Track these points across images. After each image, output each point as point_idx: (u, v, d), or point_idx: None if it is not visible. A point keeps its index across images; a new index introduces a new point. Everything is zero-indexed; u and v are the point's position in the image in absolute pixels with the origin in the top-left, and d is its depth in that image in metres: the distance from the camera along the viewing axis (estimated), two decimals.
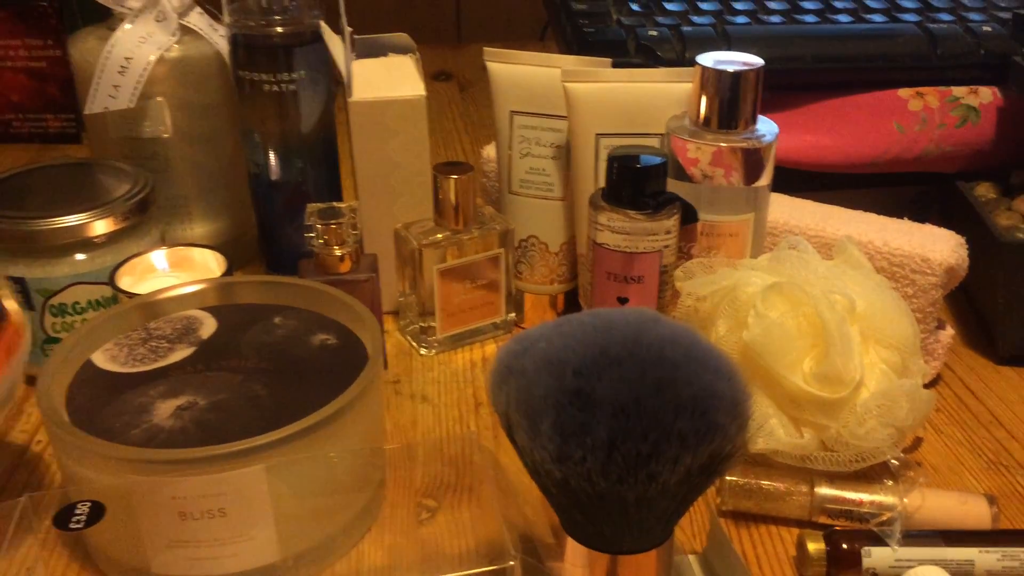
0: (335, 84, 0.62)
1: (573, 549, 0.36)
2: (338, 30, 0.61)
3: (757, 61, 0.52)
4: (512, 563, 0.35)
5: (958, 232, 0.55)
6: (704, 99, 0.52)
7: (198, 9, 0.64)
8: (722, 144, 0.51)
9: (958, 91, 0.65)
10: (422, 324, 0.60)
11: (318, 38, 0.59)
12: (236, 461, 0.38)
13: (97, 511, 0.36)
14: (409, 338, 0.62)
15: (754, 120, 0.52)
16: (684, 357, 0.33)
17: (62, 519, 0.35)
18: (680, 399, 0.31)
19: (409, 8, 1.37)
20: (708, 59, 0.52)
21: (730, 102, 0.51)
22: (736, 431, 0.33)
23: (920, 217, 0.57)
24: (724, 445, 0.32)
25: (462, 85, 1.13)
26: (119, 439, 0.40)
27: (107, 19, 0.64)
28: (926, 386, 0.54)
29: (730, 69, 0.51)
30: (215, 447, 0.38)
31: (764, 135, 0.52)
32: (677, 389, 0.32)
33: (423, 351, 0.61)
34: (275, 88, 0.59)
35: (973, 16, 0.69)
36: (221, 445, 0.38)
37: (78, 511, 0.36)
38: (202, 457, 0.38)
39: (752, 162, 0.51)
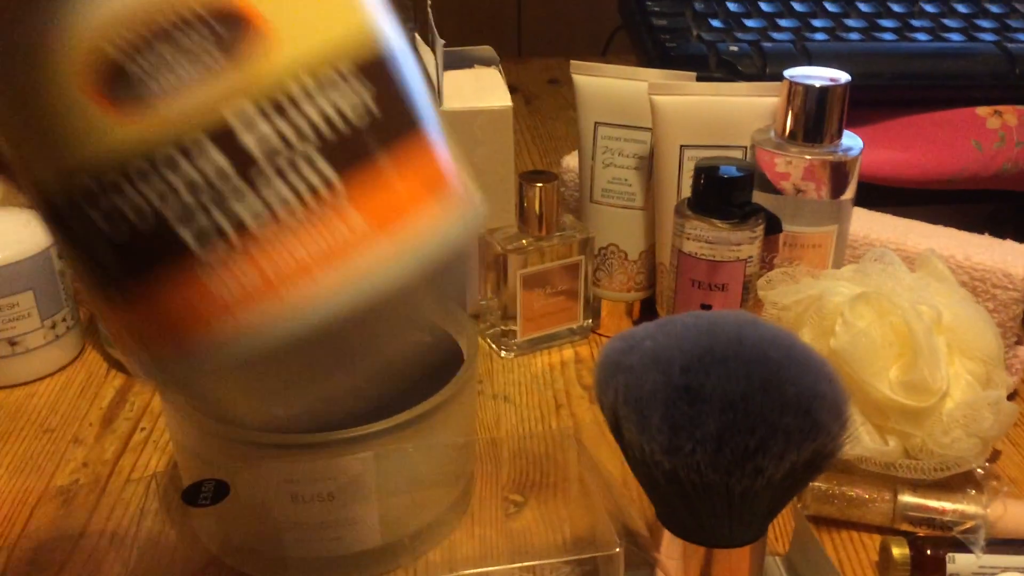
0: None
1: (670, 542, 0.37)
2: (429, 43, 0.63)
3: (843, 76, 0.53)
4: (618, 550, 0.36)
5: None
6: (791, 113, 0.53)
7: None
8: (808, 157, 0.52)
9: None
10: (503, 327, 0.62)
11: (413, 50, 0.62)
12: (349, 447, 0.40)
13: (222, 489, 0.38)
14: (489, 341, 0.64)
15: (840, 134, 0.53)
16: (786, 358, 0.34)
17: (191, 496, 0.37)
18: (785, 397, 0.33)
19: (471, 23, 1.40)
20: (795, 74, 0.53)
21: (817, 116, 0.52)
22: (838, 431, 0.34)
23: (996, 233, 0.58)
24: (827, 443, 0.34)
25: (527, 98, 1.16)
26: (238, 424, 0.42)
27: None
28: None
29: (817, 84, 0.52)
30: (330, 433, 0.40)
31: (850, 149, 0.53)
32: (782, 387, 0.33)
33: (503, 354, 0.63)
34: None
35: None
36: (336, 431, 0.40)
37: (204, 489, 0.38)
38: (318, 443, 0.40)
39: (838, 175, 0.53)
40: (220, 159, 0.21)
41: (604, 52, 1.25)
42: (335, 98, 0.22)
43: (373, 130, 0.22)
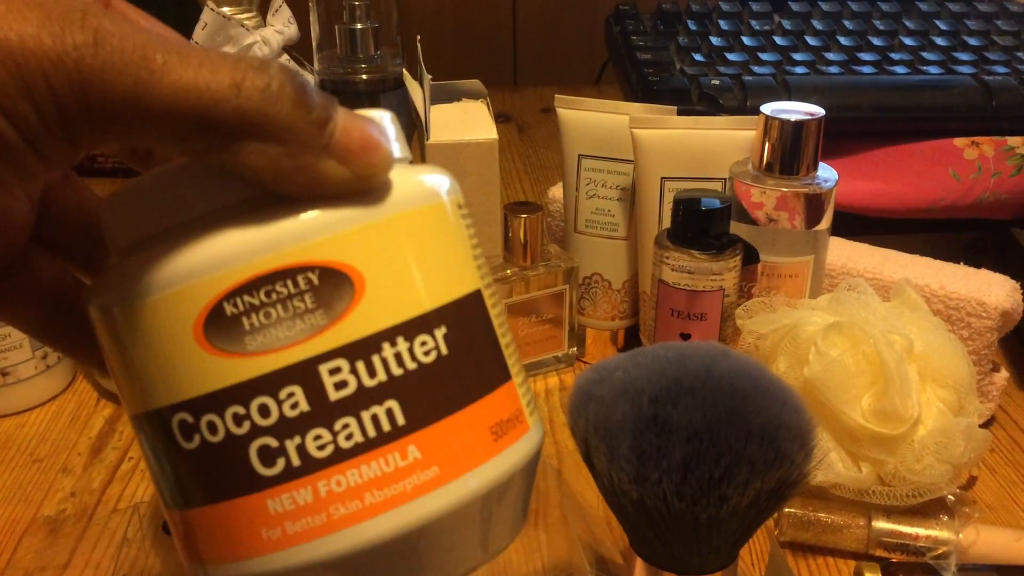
0: (413, 127, 0.66)
1: (642, 569, 0.38)
2: (416, 76, 0.65)
3: (818, 111, 0.54)
4: None
5: (1013, 277, 0.57)
6: (767, 146, 0.54)
7: (286, 56, 0.68)
8: (784, 189, 0.54)
9: (1013, 141, 0.67)
10: None
11: (400, 84, 0.63)
12: None
13: None
14: None
15: (815, 167, 0.55)
16: (753, 388, 0.35)
17: None
18: (751, 427, 0.34)
19: (467, 52, 1.42)
20: (771, 108, 0.54)
21: (792, 149, 0.54)
22: (803, 459, 0.35)
23: (974, 263, 0.59)
24: (791, 472, 0.34)
25: (520, 127, 1.17)
26: None
27: None
28: (981, 426, 0.55)
29: (792, 118, 0.53)
30: None
31: (825, 180, 0.54)
32: (747, 418, 0.34)
33: None
34: None
35: None
36: None
37: None
38: None
39: (813, 206, 0.54)
40: (304, 404, 0.23)
41: (598, 81, 1.27)
42: (415, 348, 0.24)
43: (445, 372, 0.25)
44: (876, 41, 0.75)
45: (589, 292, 0.66)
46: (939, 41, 0.76)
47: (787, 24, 0.78)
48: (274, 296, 0.23)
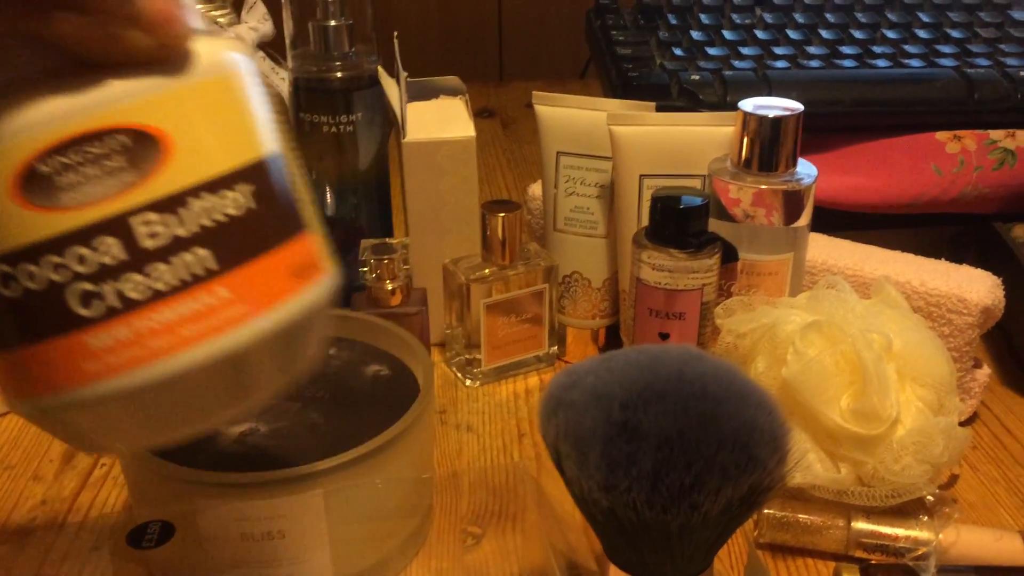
0: (389, 125, 0.65)
1: None
2: (393, 74, 0.64)
3: (796, 106, 0.53)
4: None
5: (995, 272, 0.56)
6: (745, 142, 0.54)
7: (261, 54, 0.67)
8: (763, 186, 0.53)
9: (995, 134, 0.67)
10: (468, 356, 0.62)
11: (375, 82, 0.62)
12: (297, 486, 0.40)
13: (167, 531, 0.38)
14: (455, 369, 0.64)
15: (794, 163, 0.54)
16: (726, 392, 0.34)
17: (135, 538, 0.37)
18: (722, 433, 0.33)
19: (453, 46, 1.41)
20: (749, 104, 0.54)
21: (770, 146, 0.53)
22: (776, 464, 0.34)
23: (957, 257, 0.58)
24: (764, 478, 0.34)
25: (505, 122, 1.16)
26: (187, 463, 0.42)
27: None
28: (962, 424, 0.55)
29: (770, 114, 0.53)
30: (278, 472, 0.40)
31: (803, 177, 0.54)
32: (719, 423, 0.33)
33: (468, 382, 0.63)
34: (334, 129, 0.62)
35: (1010, 61, 0.70)
36: (284, 470, 0.40)
37: (150, 531, 0.38)
38: (266, 481, 0.40)
39: (792, 203, 0.53)
40: (120, 253, 0.25)
41: (583, 76, 1.26)
42: (222, 201, 0.27)
43: (250, 222, 0.27)
44: (858, 34, 0.75)
45: (569, 291, 0.65)
46: (921, 34, 0.75)
47: (768, 18, 0.77)
48: (87, 156, 0.25)
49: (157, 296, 0.26)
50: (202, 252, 0.26)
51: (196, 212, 0.26)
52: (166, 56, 0.26)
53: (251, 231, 0.27)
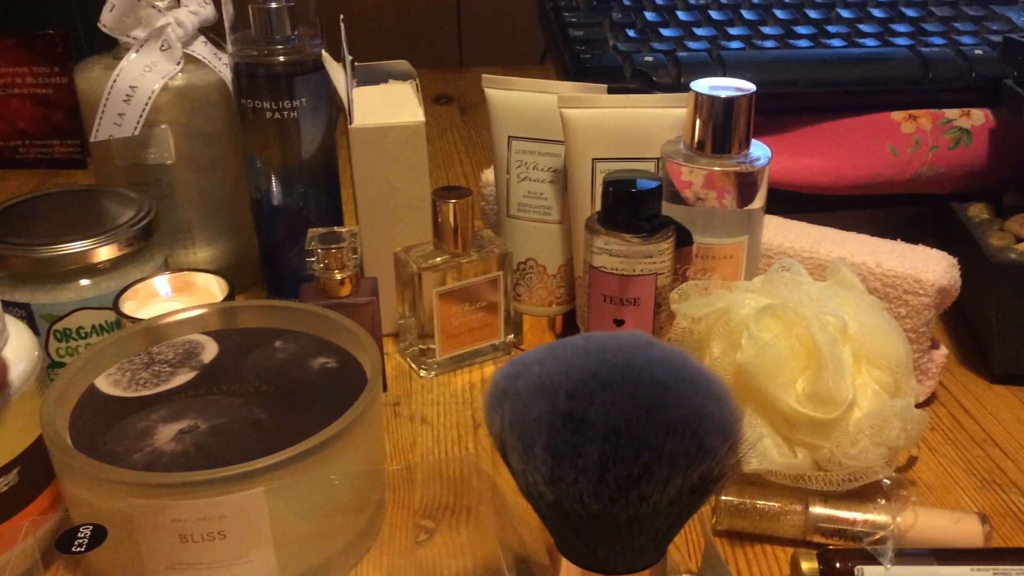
0: (336, 111, 0.63)
1: (567, 570, 0.37)
2: (339, 58, 0.62)
3: (749, 87, 0.52)
4: None
5: (952, 252, 0.56)
6: (698, 124, 0.53)
7: (202, 38, 0.65)
8: (715, 168, 0.52)
9: (950, 113, 0.66)
10: (421, 346, 0.61)
11: (319, 66, 0.60)
12: (236, 484, 0.39)
13: (98, 535, 0.36)
14: (409, 360, 0.63)
15: (747, 144, 0.53)
16: (675, 379, 0.33)
17: (64, 543, 0.36)
18: (671, 421, 0.32)
19: (411, 32, 1.39)
20: (701, 85, 0.53)
21: (723, 127, 0.52)
22: (726, 453, 0.33)
23: (914, 238, 0.58)
24: (714, 466, 0.33)
25: (463, 108, 1.15)
26: (121, 463, 0.41)
27: (113, 48, 0.65)
28: (920, 405, 0.55)
29: (723, 95, 0.52)
30: (215, 470, 0.39)
31: (757, 159, 0.53)
32: (668, 411, 0.32)
33: (422, 373, 0.62)
34: (277, 116, 0.60)
35: (965, 40, 0.70)
36: (221, 468, 0.39)
37: (80, 535, 0.36)
38: (203, 480, 0.39)
39: (745, 185, 0.52)
40: None
41: (543, 61, 1.25)
42: None
43: None
44: (813, 14, 0.74)
45: (524, 278, 0.64)
46: (876, 13, 0.74)
47: None
48: None
49: None
50: None
51: None
52: None
53: None
